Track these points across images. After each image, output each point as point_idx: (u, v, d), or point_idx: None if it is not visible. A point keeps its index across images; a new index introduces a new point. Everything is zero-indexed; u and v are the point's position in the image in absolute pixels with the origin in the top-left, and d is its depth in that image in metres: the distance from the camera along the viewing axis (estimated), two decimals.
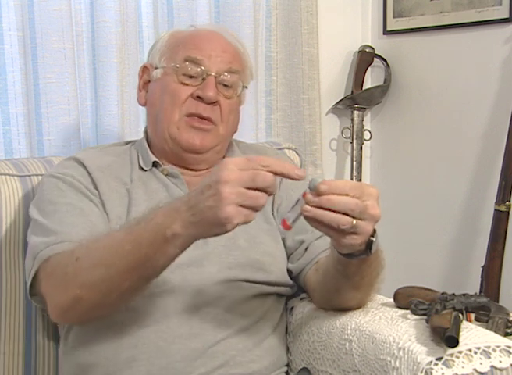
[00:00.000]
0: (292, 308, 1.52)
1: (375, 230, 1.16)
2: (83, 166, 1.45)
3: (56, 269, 1.27)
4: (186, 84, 1.46)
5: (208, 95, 1.44)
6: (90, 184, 1.42)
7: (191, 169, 1.51)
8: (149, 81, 1.53)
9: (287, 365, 1.48)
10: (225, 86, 1.48)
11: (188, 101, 1.45)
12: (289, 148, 1.90)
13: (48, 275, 1.30)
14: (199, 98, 1.45)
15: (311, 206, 1.09)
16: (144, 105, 1.55)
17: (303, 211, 1.09)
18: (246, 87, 1.53)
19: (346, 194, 1.09)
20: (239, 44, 1.53)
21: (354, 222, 1.10)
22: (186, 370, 1.32)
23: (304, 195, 1.10)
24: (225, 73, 1.47)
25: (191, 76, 1.46)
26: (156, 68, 1.51)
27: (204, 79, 1.45)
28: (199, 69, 1.45)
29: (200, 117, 1.46)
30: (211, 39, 1.49)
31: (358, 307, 1.40)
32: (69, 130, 1.85)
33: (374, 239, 1.17)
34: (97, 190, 1.41)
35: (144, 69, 1.55)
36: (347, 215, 1.09)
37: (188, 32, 1.53)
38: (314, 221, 1.10)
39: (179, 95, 1.45)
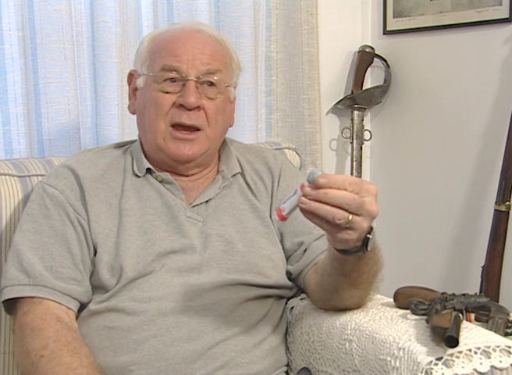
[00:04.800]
0: (292, 308, 1.52)
1: (372, 228, 1.16)
2: (76, 176, 1.44)
3: (22, 344, 1.32)
4: (168, 92, 1.44)
5: (188, 102, 1.42)
6: (78, 200, 1.42)
7: (185, 175, 1.50)
8: (137, 88, 1.51)
9: (287, 365, 1.48)
10: (209, 85, 1.45)
11: (171, 110, 1.44)
12: (289, 148, 1.90)
13: (15, 334, 1.35)
14: (181, 105, 1.43)
15: (308, 199, 1.08)
16: (133, 113, 1.54)
17: (299, 203, 1.09)
18: (228, 86, 1.50)
19: (345, 189, 1.08)
20: (218, 40, 1.50)
21: (350, 217, 1.09)
22: (187, 372, 1.32)
23: (301, 187, 1.09)
24: (206, 75, 1.44)
25: (172, 82, 1.44)
26: (139, 74, 1.49)
27: (184, 84, 1.43)
28: (178, 76, 1.43)
29: (185, 126, 1.44)
30: (186, 42, 1.45)
31: (357, 306, 1.40)
32: (69, 130, 1.85)
33: (370, 236, 1.16)
34: (86, 203, 1.41)
35: (131, 76, 1.54)
36: (344, 209, 1.09)
37: (165, 36, 1.49)
38: (309, 213, 1.10)
39: (162, 105, 1.44)
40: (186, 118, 1.43)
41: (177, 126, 1.44)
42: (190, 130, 1.45)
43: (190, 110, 1.43)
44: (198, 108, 1.44)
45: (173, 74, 1.43)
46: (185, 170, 1.49)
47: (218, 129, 1.48)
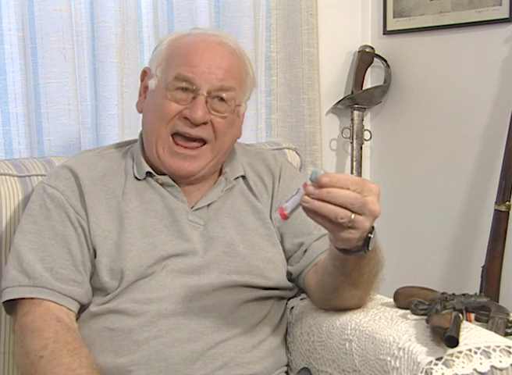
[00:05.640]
0: (292, 308, 1.52)
1: (373, 228, 1.16)
2: (76, 177, 1.43)
3: (22, 344, 1.31)
4: (177, 101, 1.41)
5: (195, 117, 1.39)
6: (78, 201, 1.42)
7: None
8: (148, 87, 1.49)
9: (287, 365, 1.48)
10: (219, 100, 1.42)
11: (176, 119, 1.41)
12: (289, 148, 1.90)
13: (16, 334, 1.35)
14: (186, 118, 1.41)
15: (311, 198, 1.08)
16: (140, 112, 1.52)
17: (302, 202, 1.09)
18: (239, 106, 1.47)
19: (347, 188, 1.08)
20: (238, 54, 1.47)
21: (353, 216, 1.09)
22: (186, 372, 1.32)
23: (304, 186, 1.09)
24: (218, 91, 1.42)
25: (183, 91, 1.41)
26: (153, 75, 1.47)
27: (194, 97, 1.41)
28: (190, 87, 1.41)
29: (188, 136, 1.42)
30: (204, 53, 1.42)
31: (358, 306, 1.40)
32: (69, 130, 1.85)
33: (372, 236, 1.16)
34: (85, 205, 1.41)
35: (144, 73, 1.52)
36: (346, 209, 1.09)
37: (185, 41, 1.46)
38: (312, 212, 1.10)
39: (168, 112, 1.41)
40: (189, 129, 1.41)
41: (179, 136, 1.42)
42: (191, 146, 1.43)
43: (195, 125, 1.41)
44: (205, 123, 1.41)
45: (185, 84, 1.41)
46: (183, 181, 1.47)
47: (225, 142, 1.46)
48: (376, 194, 1.11)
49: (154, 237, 1.41)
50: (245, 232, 1.47)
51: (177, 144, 1.43)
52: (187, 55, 1.43)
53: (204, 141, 1.43)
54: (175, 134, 1.43)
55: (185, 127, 1.41)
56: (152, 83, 1.46)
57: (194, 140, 1.43)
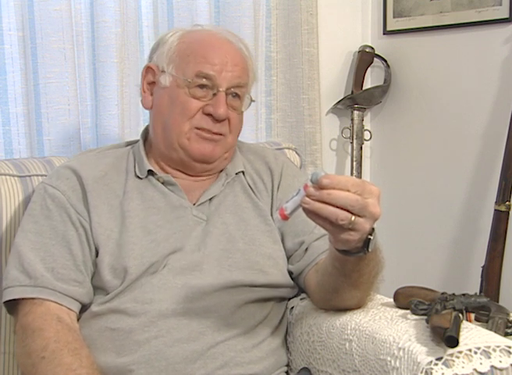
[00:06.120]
0: (292, 308, 1.52)
1: (373, 229, 1.16)
2: (78, 176, 1.44)
3: (23, 344, 1.32)
4: (197, 98, 1.45)
5: (219, 114, 1.44)
6: (80, 201, 1.42)
7: (190, 175, 1.51)
8: (153, 82, 1.51)
9: (287, 365, 1.48)
10: (234, 96, 1.47)
11: (198, 115, 1.45)
12: (289, 148, 1.90)
13: (17, 335, 1.36)
14: (209, 114, 1.45)
15: (311, 199, 1.08)
16: (149, 108, 1.53)
17: (302, 203, 1.09)
18: (254, 101, 1.54)
19: (348, 190, 1.08)
20: (244, 49, 1.52)
21: (353, 218, 1.09)
22: (187, 371, 1.32)
23: (305, 187, 1.09)
24: (235, 87, 1.47)
25: (201, 88, 1.45)
26: (163, 71, 1.48)
27: (214, 94, 1.45)
28: (209, 84, 1.45)
29: (210, 131, 1.46)
30: (220, 50, 1.47)
31: (358, 307, 1.40)
32: (69, 130, 1.85)
33: (371, 237, 1.16)
34: (88, 204, 1.41)
35: (148, 69, 1.52)
36: (347, 210, 1.09)
37: (197, 38, 1.50)
38: (312, 214, 1.10)
39: (190, 108, 1.45)
40: (211, 126, 1.45)
41: (202, 129, 1.46)
42: (215, 134, 1.47)
43: (218, 121, 1.45)
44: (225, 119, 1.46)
45: (205, 81, 1.45)
46: (201, 170, 1.50)
47: (236, 136, 1.52)
48: (377, 196, 1.11)
49: (157, 233, 1.42)
50: (246, 228, 1.47)
51: (203, 131, 1.47)
52: (205, 53, 1.46)
53: (221, 135, 1.48)
54: (197, 128, 1.46)
55: (208, 124, 1.45)
56: (165, 79, 1.48)
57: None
